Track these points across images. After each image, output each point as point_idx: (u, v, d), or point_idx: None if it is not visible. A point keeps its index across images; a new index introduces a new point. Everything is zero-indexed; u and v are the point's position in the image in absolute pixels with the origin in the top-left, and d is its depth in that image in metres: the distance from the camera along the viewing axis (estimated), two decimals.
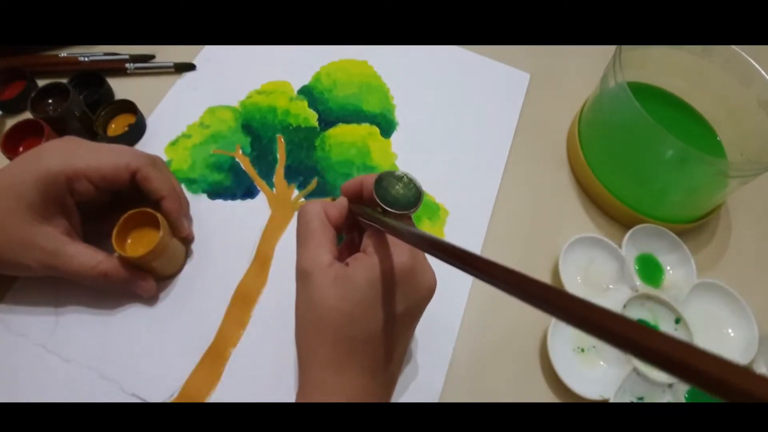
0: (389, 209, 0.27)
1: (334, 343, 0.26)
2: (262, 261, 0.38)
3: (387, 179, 0.28)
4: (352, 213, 0.30)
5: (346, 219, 0.30)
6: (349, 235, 0.33)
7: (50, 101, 0.41)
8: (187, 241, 0.37)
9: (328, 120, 0.46)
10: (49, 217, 0.31)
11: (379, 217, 0.26)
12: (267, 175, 0.42)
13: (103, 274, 0.32)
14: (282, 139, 0.44)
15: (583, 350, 0.36)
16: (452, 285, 0.38)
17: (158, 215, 0.33)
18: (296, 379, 0.33)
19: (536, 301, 0.14)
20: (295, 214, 0.40)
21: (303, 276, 0.28)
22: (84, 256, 0.32)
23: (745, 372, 0.10)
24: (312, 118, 0.45)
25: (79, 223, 0.34)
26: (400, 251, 0.27)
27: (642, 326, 0.12)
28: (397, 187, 0.28)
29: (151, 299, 0.35)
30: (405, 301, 0.27)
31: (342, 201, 0.30)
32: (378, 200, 0.27)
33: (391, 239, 0.27)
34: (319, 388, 0.26)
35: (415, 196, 0.28)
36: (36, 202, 0.30)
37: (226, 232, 0.39)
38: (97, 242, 0.33)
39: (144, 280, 0.34)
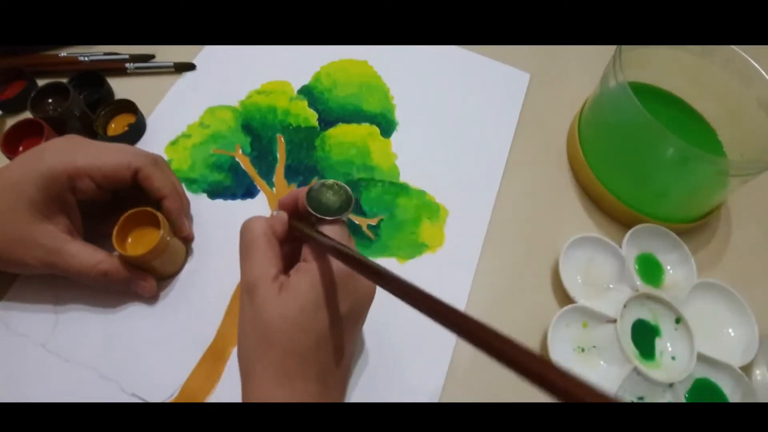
0: (321, 216, 0.27)
1: (283, 353, 0.26)
2: None
3: (317, 189, 0.29)
4: (291, 228, 0.30)
5: (287, 233, 0.30)
6: (289, 248, 0.32)
7: (50, 101, 0.41)
8: (187, 240, 0.37)
9: (328, 120, 0.46)
10: (50, 216, 0.31)
11: (310, 231, 0.27)
12: (267, 174, 0.42)
13: (103, 273, 0.32)
14: (282, 139, 0.44)
15: (583, 350, 0.36)
16: (451, 285, 0.38)
17: (159, 215, 0.33)
18: None
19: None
20: None
21: (248, 290, 0.27)
22: (84, 254, 0.32)
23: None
24: (312, 117, 0.45)
25: (80, 221, 0.34)
26: None
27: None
28: (328, 194, 0.28)
29: (151, 299, 0.35)
30: (347, 302, 0.27)
31: (282, 215, 0.30)
32: (309, 209, 0.27)
33: None
34: (267, 401, 0.26)
35: (345, 202, 0.28)
36: (37, 200, 0.30)
37: (226, 231, 0.38)
38: (98, 242, 0.33)
39: (144, 280, 0.34)
